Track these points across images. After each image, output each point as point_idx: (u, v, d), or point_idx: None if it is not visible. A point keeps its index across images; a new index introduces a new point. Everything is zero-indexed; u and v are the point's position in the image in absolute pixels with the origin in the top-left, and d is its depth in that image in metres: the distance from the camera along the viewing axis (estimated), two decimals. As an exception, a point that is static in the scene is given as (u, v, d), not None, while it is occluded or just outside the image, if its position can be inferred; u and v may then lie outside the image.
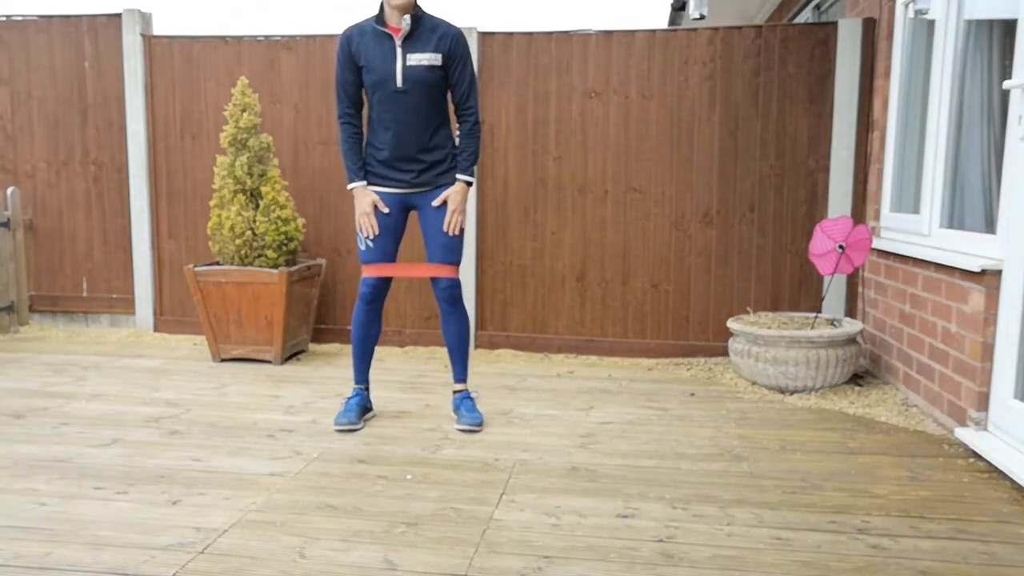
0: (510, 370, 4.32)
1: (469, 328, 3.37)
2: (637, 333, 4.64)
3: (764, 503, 2.52)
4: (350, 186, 3.26)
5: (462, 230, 3.27)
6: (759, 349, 3.82)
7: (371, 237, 3.24)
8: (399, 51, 3.12)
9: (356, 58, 3.18)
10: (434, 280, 3.28)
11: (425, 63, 3.12)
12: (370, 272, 3.29)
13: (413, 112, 3.15)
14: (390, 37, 3.13)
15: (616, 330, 4.66)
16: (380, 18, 3.16)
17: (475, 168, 3.26)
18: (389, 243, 3.28)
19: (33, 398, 3.66)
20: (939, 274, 3.37)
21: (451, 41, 3.15)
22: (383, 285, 3.32)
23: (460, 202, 3.22)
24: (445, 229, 3.20)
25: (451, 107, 3.43)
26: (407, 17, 3.10)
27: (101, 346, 4.76)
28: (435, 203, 3.22)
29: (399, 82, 3.13)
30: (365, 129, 3.30)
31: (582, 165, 4.60)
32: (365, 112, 3.34)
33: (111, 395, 3.72)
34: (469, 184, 3.25)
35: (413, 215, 4.45)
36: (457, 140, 3.27)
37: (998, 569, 2.10)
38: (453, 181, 3.26)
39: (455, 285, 3.27)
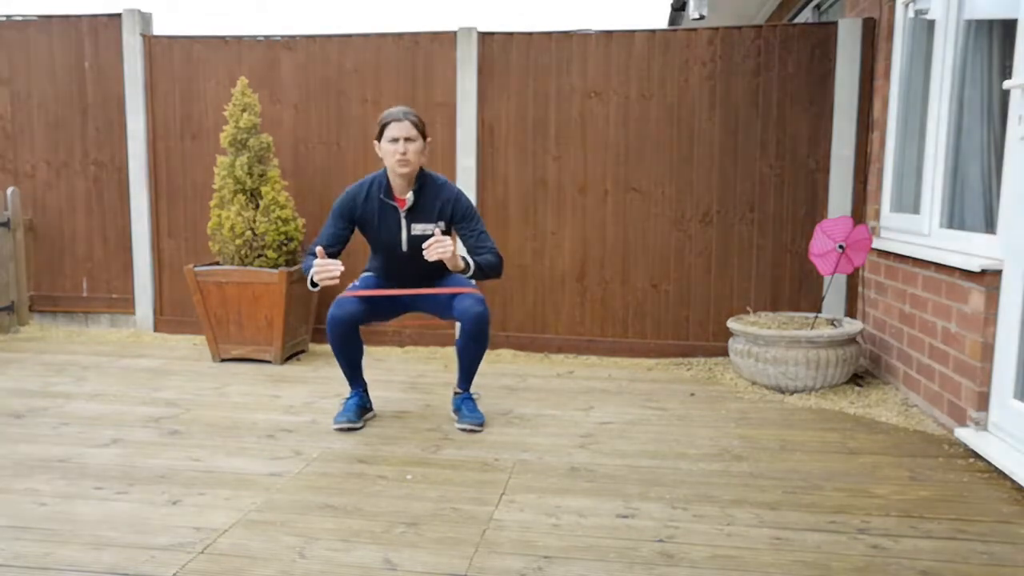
0: (510, 370, 4.32)
1: (485, 352, 3.34)
2: (637, 333, 4.64)
3: (764, 503, 2.52)
4: (309, 276, 3.03)
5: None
6: (759, 349, 3.82)
7: (327, 270, 2.96)
8: (404, 222, 3.20)
9: (357, 222, 3.24)
10: (462, 307, 3.11)
11: (430, 232, 3.18)
12: (353, 293, 3.19)
13: (416, 266, 3.20)
14: (395, 209, 3.20)
15: (616, 330, 4.66)
16: (387, 189, 3.19)
17: (477, 273, 3.15)
18: (380, 299, 3.28)
19: (33, 398, 3.66)
20: (939, 274, 3.37)
21: (452, 208, 3.23)
22: (361, 312, 3.17)
23: (449, 249, 2.94)
24: (425, 247, 2.94)
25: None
26: (411, 195, 3.16)
27: (101, 346, 4.76)
28: (433, 237, 2.98)
29: (404, 248, 3.22)
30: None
31: (582, 165, 4.60)
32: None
33: (111, 395, 3.72)
34: (466, 266, 3.11)
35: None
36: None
37: (998, 569, 2.10)
38: (452, 274, 3.29)
39: (486, 314, 3.12)
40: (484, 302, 3.15)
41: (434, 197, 3.22)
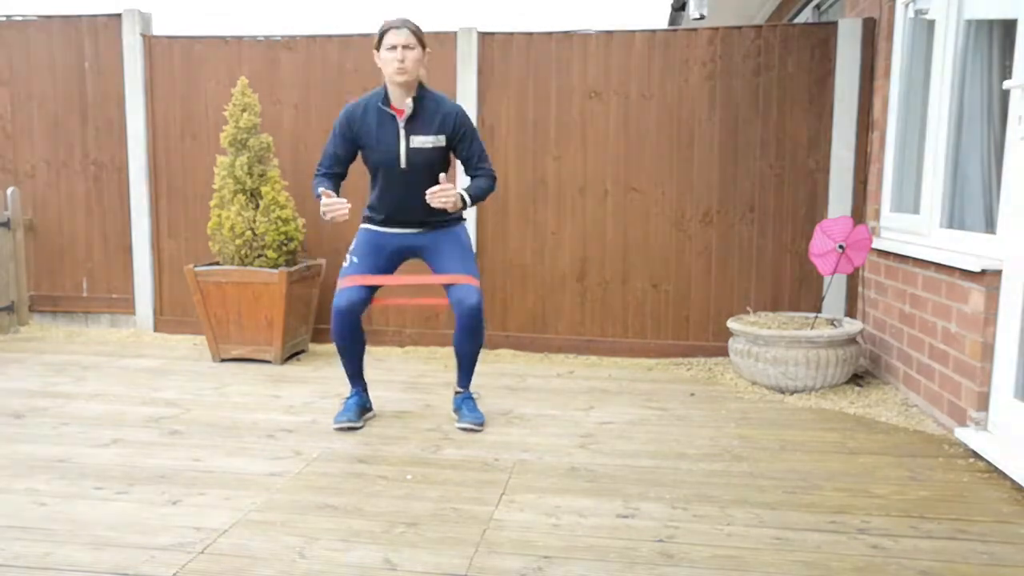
0: (510, 370, 4.32)
1: (482, 345, 3.32)
2: (637, 333, 4.64)
3: (764, 503, 2.52)
4: (318, 190, 3.11)
5: (474, 260, 3.26)
6: (759, 349, 3.82)
7: (330, 206, 3.03)
8: (402, 133, 3.15)
9: (356, 138, 3.20)
10: (458, 297, 3.13)
11: (429, 145, 3.15)
12: (350, 283, 3.18)
13: (415, 186, 3.16)
14: (393, 118, 3.15)
15: (616, 330, 4.66)
16: (385, 98, 3.16)
17: (476, 200, 3.18)
18: (378, 261, 3.25)
19: (33, 398, 3.66)
20: (939, 274, 3.37)
21: (454, 121, 3.18)
22: (364, 300, 3.19)
23: (452, 196, 3.04)
24: (428, 193, 3.01)
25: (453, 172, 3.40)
26: (409, 101, 3.12)
27: (101, 346, 4.76)
28: (438, 185, 3.04)
29: (403, 163, 3.16)
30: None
31: (582, 165, 4.60)
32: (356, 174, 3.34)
33: (111, 395, 3.72)
34: (464, 202, 3.13)
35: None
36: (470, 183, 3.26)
37: (998, 569, 2.10)
38: (459, 224, 3.29)
39: (480, 306, 3.14)
40: (479, 293, 3.15)
41: (434, 110, 3.16)
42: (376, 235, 3.30)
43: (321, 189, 3.07)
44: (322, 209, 3.05)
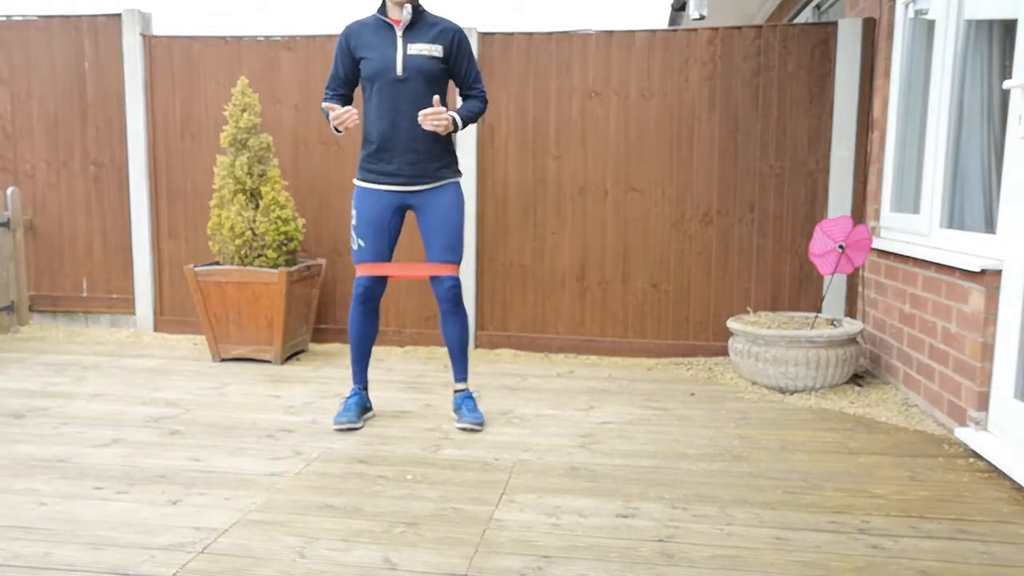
0: (510, 370, 4.32)
1: (469, 328, 3.36)
2: (637, 333, 4.64)
3: (764, 503, 2.52)
4: (325, 103, 3.17)
5: (461, 231, 3.26)
6: (759, 349, 3.82)
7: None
8: (400, 40, 3.14)
9: (355, 52, 3.20)
10: (435, 280, 3.25)
11: (426, 53, 3.14)
12: (364, 271, 3.27)
13: (412, 102, 3.14)
14: (391, 27, 3.16)
15: (616, 330, 4.66)
16: (382, 10, 3.20)
17: (467, 123, 3.23)
18: (381, 243, 3.25)
19: (33, 398, 3.66)
20: (939, 274, 3.37)
21: (452, 36, 3.19)
22: (377, 285, 3.29)
23: (444, 119, 3.07)
24: (420, 115, 3.05)
25: (451, 103, 3.41)
26: (408, 7, 3.13)
27: (101, 346, 4.76)
28: (422, 112, 3.06)
29: (399, 70, 3.13)
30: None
31: (582, 165, 4.60)
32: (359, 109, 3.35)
33: (111, 395, 3.72)
34: (455, 124, 3.14)
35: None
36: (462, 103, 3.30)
37: (998, 569, 2.10)
38: (452, 178, 3.27)
39: (457, 285, 3.25)
40: (455, 278, 3.24)
41: (432, 23, 3.19)
42: (372, 198, 3.23)
43: (325, 104, 3.14)
44: (332, 124, 3.13)
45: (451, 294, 3.24)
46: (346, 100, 3.31)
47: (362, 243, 3.26)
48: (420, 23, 3.17)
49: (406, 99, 3.14)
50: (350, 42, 3.21)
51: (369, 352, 3.39)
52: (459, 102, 3.38)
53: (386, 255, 3.28)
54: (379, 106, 3.18)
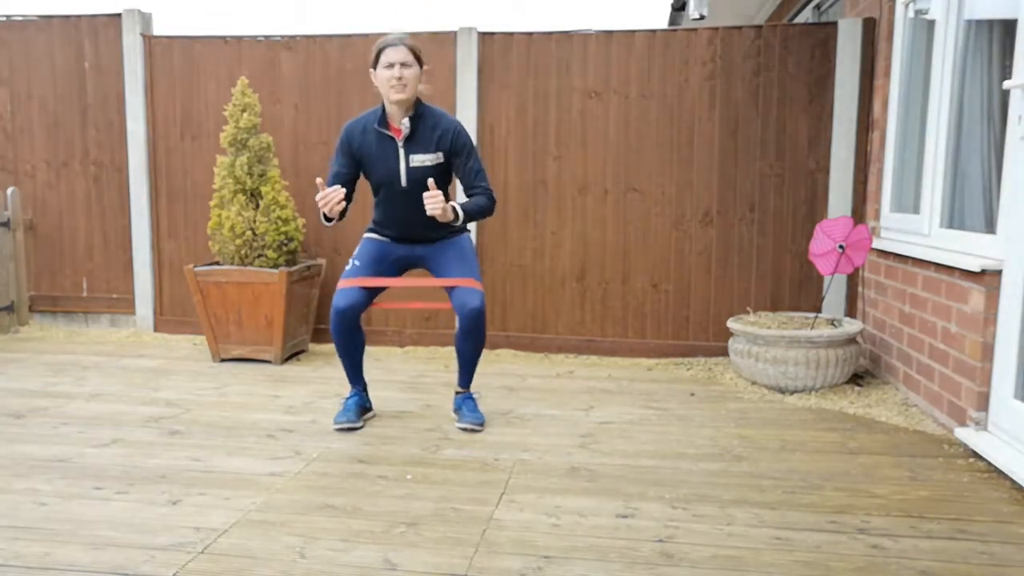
0: (510, 370, 4.32)
1: (483, 346, 3.28)
2: (637, 333, 4.64)
3: (764, 503, 2.52)
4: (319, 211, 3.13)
5: (477, 265, 3.26)
6: (759, 349, 3.82)
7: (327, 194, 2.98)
8: (401, 152, 3.13)
9: (357, 156, 3.19)
10: (460, 300, 3.11)
11: (428, 163, 3.13)
12: (349, 284, 3.17)
13: (417, 206, 3.10)
14: (392, 139, 3.13)
15: (616, 330, 4.66)
16: (382, 119, 3.15)
17: (468, 219, 3.11)
18: (378, 268, 3.25)
19: (33, 398, 3.66)
20: (939, 274, 3.37)
21: (451, 138, 3.15)
22: (361, 302, 3.17)
23: (444, 206, 2.97)
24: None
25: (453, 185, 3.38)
26: (406, 120, 3.10)
27: (101, 346, 4.76)
28: (432, 189, 2.98)
29: (403, 182, 3.15)
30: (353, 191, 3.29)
31: (582, 165, 4.60)
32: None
33: (111, 395, 3.72)
34: (456, 215, 3.05)
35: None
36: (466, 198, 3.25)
37: (998, 569, 2.10)
38: (460, 233, 3.28)
39: (483, 310, 3.12)
40: (482, 296, 3.13)
41: (432, 127, 3.14)
42: (381, 244, 3.31)
43: (318, 181, 3.05)
44: (320, 210, 3.04)
45: (475, 314, 3.10)
46: (345, 198, 3.14)
47: (357, 263, 3.24)
48: (420, 130, 3.13)
49: (411, 202, 3.14)
50: (353, 144, 3.18)
51: (360, 361, 3.32)
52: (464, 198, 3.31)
53: (382, 270, 3.26)
54: (386, 205, 3.23)
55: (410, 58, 3.05)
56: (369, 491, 2.60)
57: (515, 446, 3.06)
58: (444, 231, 3.25)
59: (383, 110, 3.15)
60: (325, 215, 3.07)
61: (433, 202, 2.96)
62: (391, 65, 3.03)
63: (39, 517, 2.38)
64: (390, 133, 3.13)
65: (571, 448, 3.04)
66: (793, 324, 3.99)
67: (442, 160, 3.16)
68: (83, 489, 2.60)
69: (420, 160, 3.13)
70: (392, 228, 3.28)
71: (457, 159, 3.18)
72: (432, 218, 3.12)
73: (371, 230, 3.37)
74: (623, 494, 2.59)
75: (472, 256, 3.28)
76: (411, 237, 3.28)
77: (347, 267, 3.25)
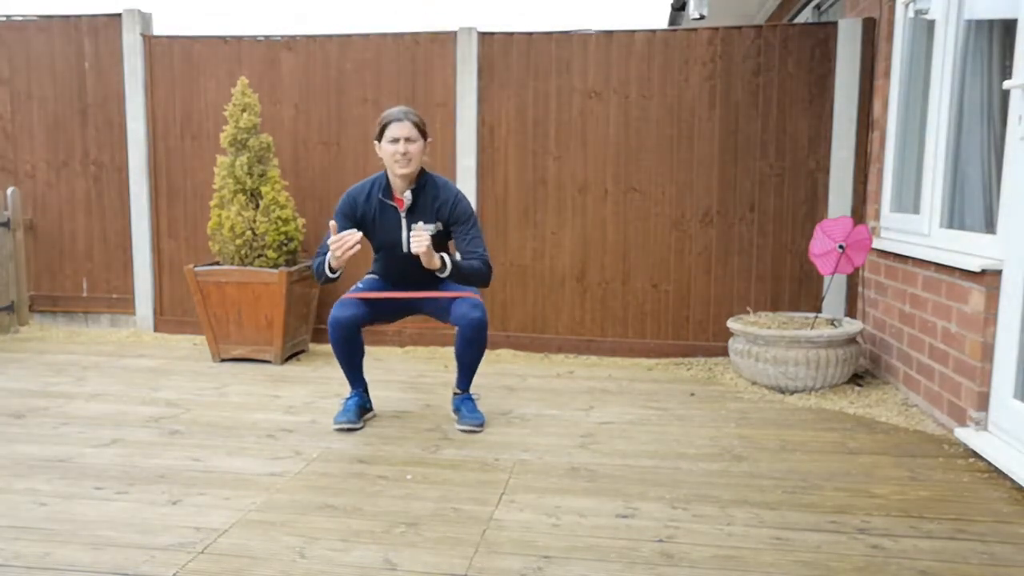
0: (510, 370, 4.32)
1: (484, 354, 3.29)
2: (637, 333, 4.64)
3: (764, 503, 2.52)
4: (327, 260, 3.07)
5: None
6: (759, 349, 3.82)
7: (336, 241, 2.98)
8: (404, 223, 3.20)
9: (359, 221, 3.23)
10: (460, 312, 3.12)
11: (430, 231, 3.16)
12: (353, 296, 3.21)
13: (418, 267, 3.13)
14: (395, 209, 3.20)
15: (616, 330, 4.66)
16: (386, 188, 3.20)
17: (454, 273, 3.09)
18: (381, 301, 3.29)
19: (33, 398, 3.66)
20: (939, 274, 3.37)
21: (451, 208, 3.21)
22: (362, 316, 3.18)
23: (426, 244, 2.96)
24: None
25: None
26: (409, 194, 3.16)
27: (101, 346, 4.76)
28: (416, 229, 3.01)
29: (405, 249, 3.20)
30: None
31: (582, 165, 4.60)
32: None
33: (111, 395, 3.72)
34: (443, 264, 3.05)
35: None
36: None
37: (998, 569, 2.10)
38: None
39: (484, 320, 3.12)
40: (482, 307, 3.15)
41: (433, 197, 3.21)
42: (385, 285, 3.37)
43: (331, 224, 3.03)
44: (331, 248, 2.97)
45: (478, 324, 3.11)
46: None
47: (360, 285, 3.33)
48: (422, 201, 3.19)
49: (412, 265, 3.16)
50: (355, 212, 3.22)
51: (359, 365, 3.34)
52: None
53: (384, 307, 3.29)
54: (387, 264, 3.32)
55: (415, 133, 3.11)
56: (369, 491, 2.60)
57: (515, 446, 3.06)
58: (441, 285, 3.30)
59: (386, 180, 3.21)
60: (330, 266, 3.06)
61: (418, 240, 2.96)
62: (396, 140, 3.09)
63: (39, 517, 2.38)
64: (393, 203, 3.20)
65: (571, 448, 3.04)
66: (793, 324, 3.99)
67: (442, 228, 3.24)
68: (83, 489, 2.60)
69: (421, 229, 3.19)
70: (391, 279, 3.36)
71: (456, 227, 3.24)
72: (432, 278, 3.19)
73: (373, 273, 3.44)
74: (623, 494, 2.59)
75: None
76: (413, 286, 3.32)
77: (350, 288, 3.32)
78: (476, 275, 3.16)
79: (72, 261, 5.20)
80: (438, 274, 3.11)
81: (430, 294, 3.26)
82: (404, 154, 3.08)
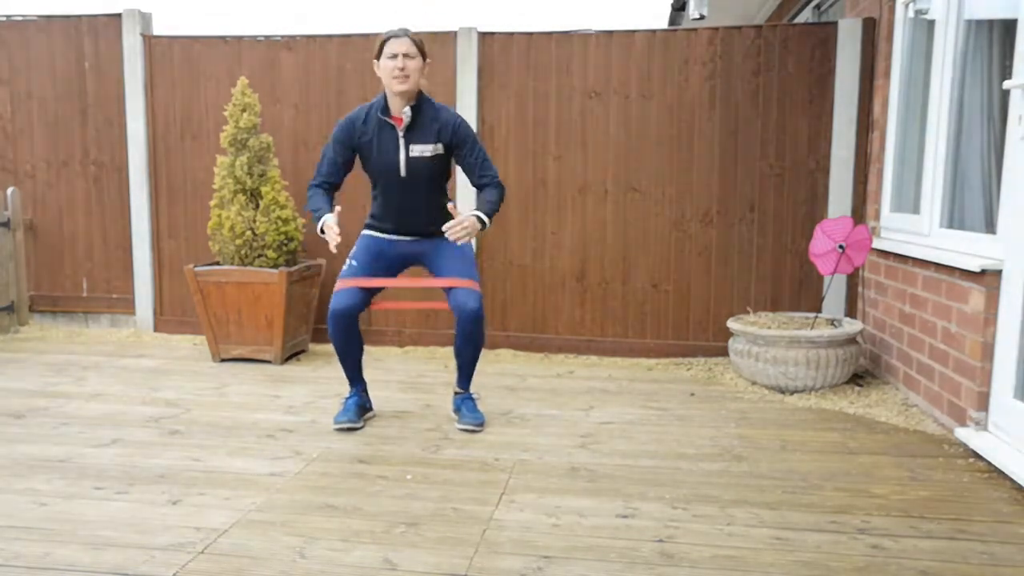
0: (510, 370, 4.32)
1: (482, 349, 3.29)
2: (637, 333, 4.64)
3: (764, 503, 2.52)
4: (319, 222, 3.08)
5: (474, 264, 3.26)
6: (759, 349, 3.82)
7: (337, 244, 3.02)
8: (402, 142, 3.14)
9: (356, 147, 3.20)
10: (458, 301, 3.12)
11: (428, 154, 3.14)
12: (347, 284, 3.17)
13: (416, 194, 3.14)
14: (393, 128, 3.15)
15: (616, 330, 4.66)
16: (384, 107, 3.16)
17: (491, 216, 3.13)
18: (376, 266, 3.25)
19: (33, 398, 3.66)
20: (939, 274, 3.37)
21: (452, 130, 3.16)
22: (359, 303, 3.18)
23: (469, 227, 3.00)
24: (445, 230, 3.02)
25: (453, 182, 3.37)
26: (407, 110, 3.11)
27: (101, 346, 4.76)
28: (446, 227, 3.00)
29: (402, 172, 3.15)
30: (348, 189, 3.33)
31: (582, 165, 4.60)
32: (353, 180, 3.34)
33: (111, 395, 3.72)
34: (483, 224, 3.06)
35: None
36: (478, 194, 3.25)
37: (998, 569, 2.10)
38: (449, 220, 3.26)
39: (481, 312, 3.12)
40: (479, 298, 3.14)
41: (432, 118, 3.16)
42: (378, 241, 3.31)
43: (315, 212, 3.08)
44: (321, 228, 3.06)
45: (475, 317, 3.11)
46: (335, 189, 3.26)
47: (355, 263, 3.24)
48: (421, 120, 3.15)
49: (410, 193, 3.16)
50: (352, 134, 3.19)
51: (359, 362, 3.33)
52: (471, 193, 3.33)
53: (379, 278, 3.26)
54: (385, 195, 3.23)
55: (413, 50, 3.07)
56: (369, 491, 2.60)
57: (515, 446, 3.06)
58: (441, 223, 3.23)
59: (384, 100, 3.17)
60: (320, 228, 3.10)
61: (462, 230, 2.97)
62: (394, 56, 3.05)
63: (39, 517, 2.38)
64: (391, 121, 3.14)
65: (571, 448, 3.04)
66: (793, 324, 3.99)
67: (441, 152, 3.17)
68: (83, 489, 2.60)
69: (420, 150, 3.14)
70: (390, 220, 3.28)
71: (460, 151, 3.19)
72: (430, 211, 3.16)
73: (368, 226, 3.36)
74: (623, 494, 2.59)
75: (470, 254, 3.28)
76: (409, 230, 3.28)
77: (344, 267, 3.25)
78: (500, 204, 3.20)
79: (72, 261, 5.20)
80: (482, 230, 3.10)
81: (425, 283, 3.28)
82: (402, 69, 3.03)
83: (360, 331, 3.26)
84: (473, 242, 4.63)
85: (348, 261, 3.27)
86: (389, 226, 3.30)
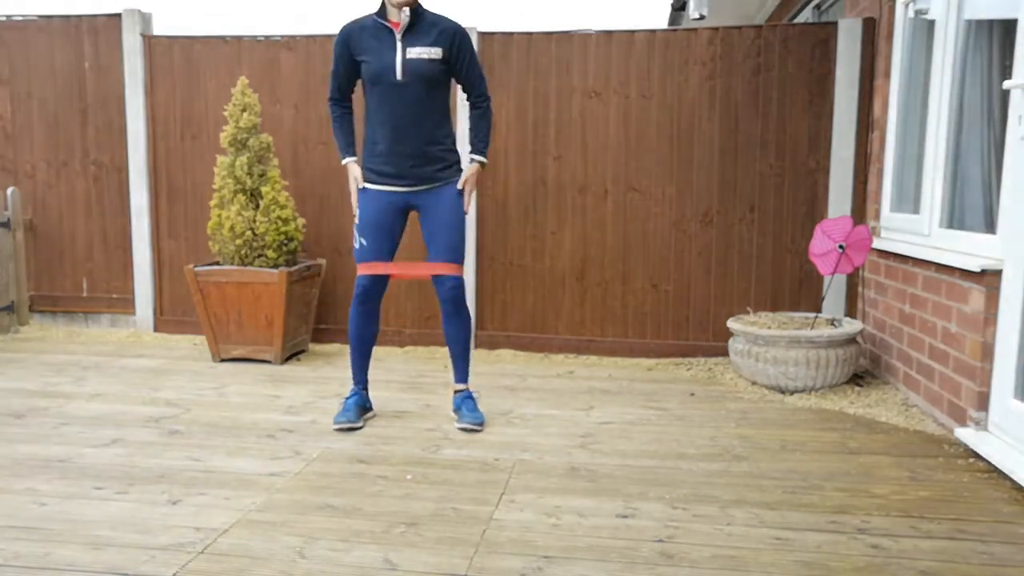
0: (510, 370, 4.32)
1: (471, 330, 3.36)
2: (637, 333, 4.64)
3: (764, 503, 2.52)
4: (343, 161, 3.31)
5: (463, 232, 3.27)
6: (759, 349, 3.82)
7: (357, 221, 3.24)
8: (399, 44, 3.12)
9: (354, 53, 3.19)
10: (438, 280, 3.25)
11: (425, 56, 3.12)
12: (365, 270, 3.26)
13: (412, 106, 3.13)
14: (390, 31, 3.14)
15: (616, 330, 4.66)
16: (381, 12, 3.17)
17: (486, 148, 3.32)
18: (384, 242, 3.25)
19: (33, 398, 3.66)
20: (939, 274, 3.37)
21: (452, 37, 3.17)
22: (377, 285, 3.28)
23: (474, 183, 3.29)
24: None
25: (453, 103, 3.42)
26: (406, 10, 3.11)
27: (101, 346, 4.76)
28: (459, 185, 3.24)
29: (399, 75, 3.12)
30: (361, 125, 3.32)
31: (582, 165, 4.60)
32: (361, 109, 3.34)
33: (111, 395, 3.72)
34: (483, 165, 3.30)
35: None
36: (469, 125, 3.32)
37: (998, 569, 2.10)
38: (455, 178, 3.26)
39: (459, 285, 3.25)
40: (461, 282, 3.25)
41: (431, 24, 3.16)
42: (378, 197, 3.24)
43: (349, 166, 3.29)
44: (351, 192, 3.29)
45: (453, 294, 3.24)
46: (348, 102, 3.33)
47: (364, 242, 3.26)
48: (419, 25, 3.14)
49: (406, 102, 3.14)
50: (349, 43, 3.20)
51: (369, 352, 3.38)
52: (464, 124, 3.38)
53: (387, 255, 3.27)
54: (380, 109, 3.18)
55: None
56: (369, 491, 2.60)
57: (515, 446, 3.06)
58: (438, 160, 3.23)
59: (383, 6, 3.18)
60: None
61: (471, 190, 3.28)
62: None
63: (39, 517, 2.38)
64: (389, 25, 3.14)
65: (571, 448, 3.04)
66: (793, 324, 3.99)
67: (439, 57, 3.14)
68: (83, 489, 2.60)
69: (417, 53, 3.12)
70: (384, 143, 3.18)
71: (460, 63, 3.20)
72: (427, 131, 3.17)
73: (364, 168, 3.28)
74: (623, 494, 2.59)
75: (459, 225, 3.27)
76: (406, 166, 3.19)
77: (356, 246, 3.28)
78: (490, 130, 3.34)
79: (72, 261, 5.20)
80: (453, 135, 3.28)
81: (416, 274, 3.37)
82: None
83: (379, 317, 3.36)
84: (472, 238, 4.65)
85: (357, 239, 3.27)
86: (385, 163, 3.20)
